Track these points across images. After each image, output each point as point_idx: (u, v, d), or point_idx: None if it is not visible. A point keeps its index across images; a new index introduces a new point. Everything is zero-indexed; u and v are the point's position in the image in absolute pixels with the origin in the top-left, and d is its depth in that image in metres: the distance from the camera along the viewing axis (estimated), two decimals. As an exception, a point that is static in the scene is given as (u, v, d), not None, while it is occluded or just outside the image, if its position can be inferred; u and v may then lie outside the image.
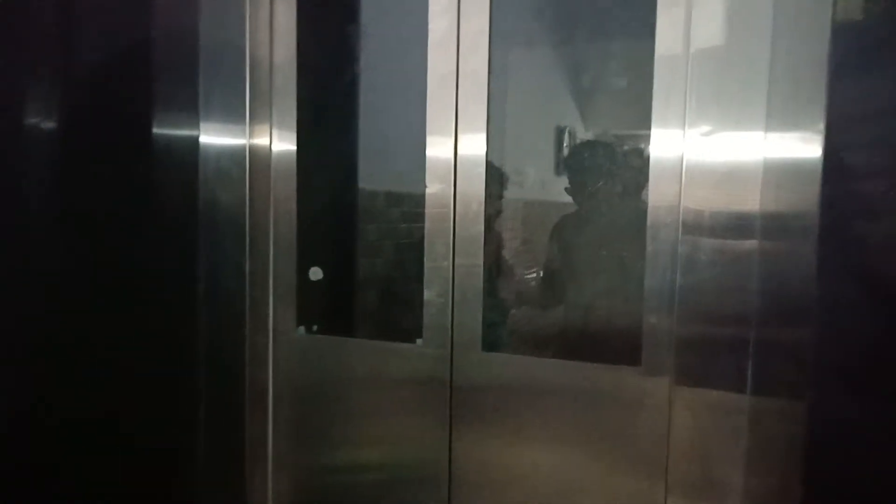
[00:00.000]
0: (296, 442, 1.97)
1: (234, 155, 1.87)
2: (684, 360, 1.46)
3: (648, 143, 1.51)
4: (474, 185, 1.71)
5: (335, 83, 2.06)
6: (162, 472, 1.89)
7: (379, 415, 1.87)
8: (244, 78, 1.83)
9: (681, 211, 1.46)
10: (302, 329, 1.95)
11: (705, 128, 1.41)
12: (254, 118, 1.87)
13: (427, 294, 1.77)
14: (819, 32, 1.23)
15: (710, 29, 1.41)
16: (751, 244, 1.37)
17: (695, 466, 1.47)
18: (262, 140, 1.90)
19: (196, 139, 1.85)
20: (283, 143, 1.91)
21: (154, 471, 1.88)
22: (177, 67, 1.84)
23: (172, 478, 1.90)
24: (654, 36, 1.49)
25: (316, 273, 2.00)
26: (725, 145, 1.40)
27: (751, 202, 1.37)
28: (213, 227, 1.87)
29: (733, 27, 1.39)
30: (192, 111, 1.84)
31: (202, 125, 1.85)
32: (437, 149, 1.74)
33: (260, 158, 1.89)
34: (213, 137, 1.86)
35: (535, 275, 1.93)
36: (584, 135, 1.91)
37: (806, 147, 1.28)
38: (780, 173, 1.33)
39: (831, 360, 1.25)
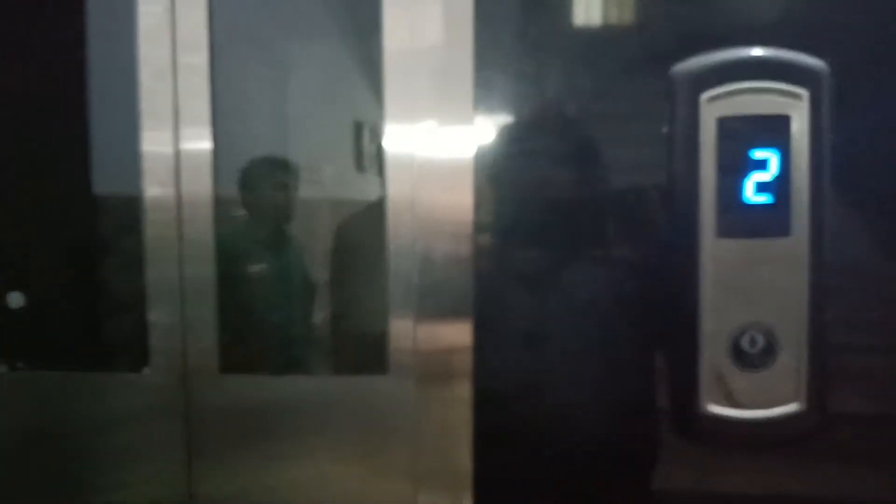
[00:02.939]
0: (-3, 504, 1.63)
1: None
2: (424, 360, 1.46)
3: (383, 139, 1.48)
4: (201, 187, 1.54)
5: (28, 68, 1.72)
6: None
7: (105, 457, 1.61)
8: None
9: (415, 208, 1.44)
10: (3, 367, 1.64)
11: (431, 124, 1.42)
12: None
13: (153, 314, 1.56)
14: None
15: (431, 27, 1.42)
16: (468, 241, 1.41)
17: (439, 459, 1.49)
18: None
19: None
20: (-43, 142, 1.57)
21: None
22: None
23: None
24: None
25: (16, 300, 1.68)
26: (448, 141, 1.42)
27: (466, 200, 1.40)
28: None
29: (450, 27, 1.41)
30: None
31: None
32: (155, 148, 1.54)
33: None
34: None
35: (276, 284, 1.80)
36: (321, 131, 1.82)
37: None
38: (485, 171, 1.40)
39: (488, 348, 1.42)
